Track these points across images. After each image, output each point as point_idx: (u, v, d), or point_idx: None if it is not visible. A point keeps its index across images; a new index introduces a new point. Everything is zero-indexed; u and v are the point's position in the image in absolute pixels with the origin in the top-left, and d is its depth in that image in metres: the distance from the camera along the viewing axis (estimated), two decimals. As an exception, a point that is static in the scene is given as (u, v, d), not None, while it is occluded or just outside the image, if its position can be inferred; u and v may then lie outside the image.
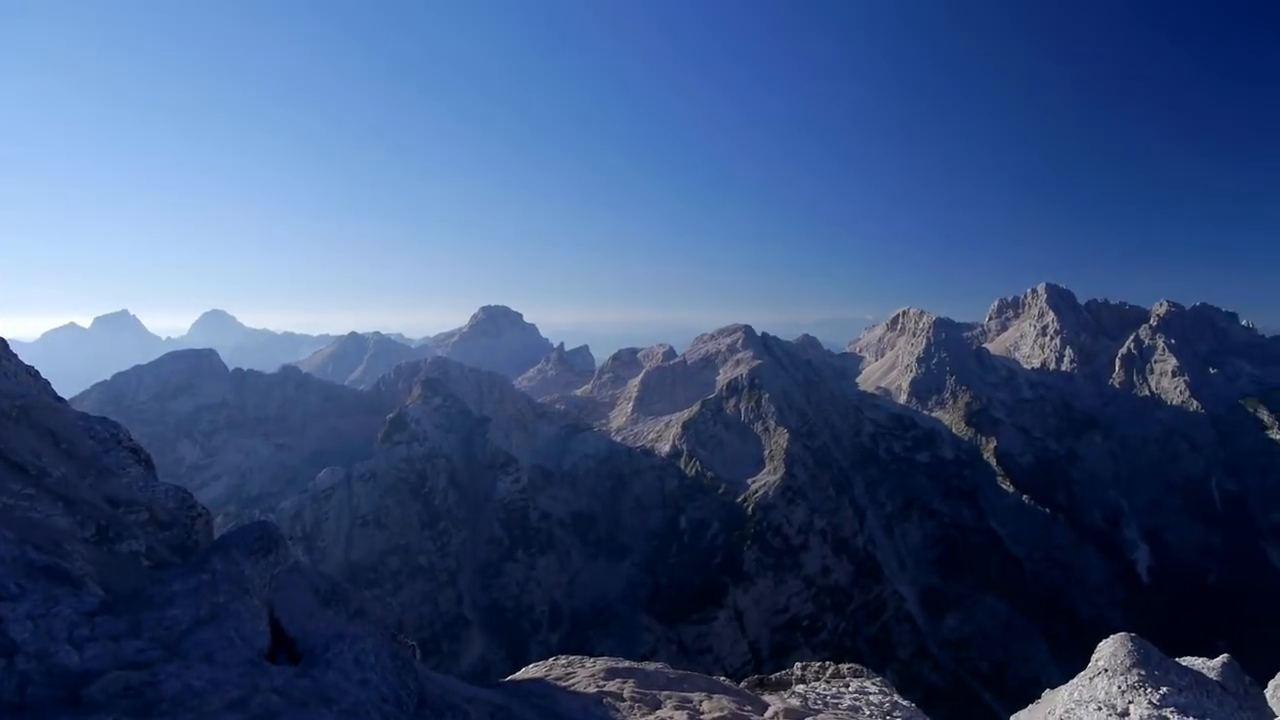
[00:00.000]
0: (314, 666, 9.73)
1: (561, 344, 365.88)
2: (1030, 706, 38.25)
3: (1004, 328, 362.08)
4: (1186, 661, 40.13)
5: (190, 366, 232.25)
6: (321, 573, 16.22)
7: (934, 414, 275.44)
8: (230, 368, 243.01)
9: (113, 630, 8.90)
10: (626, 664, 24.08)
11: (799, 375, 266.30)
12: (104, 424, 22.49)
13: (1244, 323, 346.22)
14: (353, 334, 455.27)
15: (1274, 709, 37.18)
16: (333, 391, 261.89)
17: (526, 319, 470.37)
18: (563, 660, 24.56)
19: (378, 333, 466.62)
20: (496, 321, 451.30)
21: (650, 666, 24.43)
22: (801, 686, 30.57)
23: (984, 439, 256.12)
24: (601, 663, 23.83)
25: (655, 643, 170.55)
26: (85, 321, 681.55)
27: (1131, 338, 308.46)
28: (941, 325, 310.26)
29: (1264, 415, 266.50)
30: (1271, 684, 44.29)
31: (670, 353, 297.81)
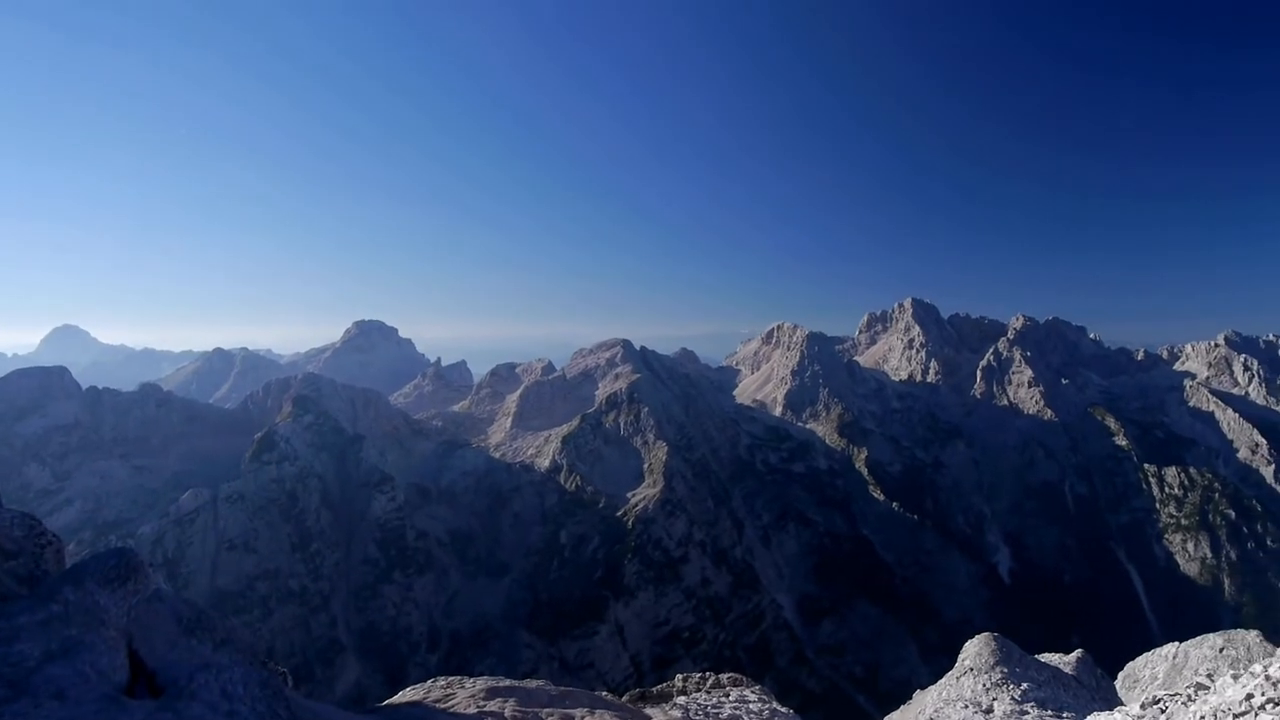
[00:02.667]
0: (177, 699, 9.22)
1: (438, 359, 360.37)
2: (902, 707, 39.47)
3: (873, 341, 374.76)
4: (1045, 658, 42.18)
5: (38, 385, 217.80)
6: (185, 600, 15.40)
7: (808, 426, 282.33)
8: (84, 386, 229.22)
9: (-51, 670, 8.25)
10: (507, 683, 23.71)
11: (677, 389, 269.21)
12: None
13: (1092, 336, 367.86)
14: (218, 350, 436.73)
15: (1123, 698, 39.35)
16: (197, 410, 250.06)
17: (402, 334, 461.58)
18: (441, 682, 24.01)
19: (245, 348, 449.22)
20: (370, 337, 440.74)
21: (531, 684, 24.12)
22: (683, 698, 30.69)
23: (855, 449, 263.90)
24: (482, 683, 23.40)
25: (536, 660, 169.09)
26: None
27: (991, 350, 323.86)
28: (814, 339, 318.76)
29: (1111, 423, 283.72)
30: (1121, 675, 46.96)
31: (549, 367, 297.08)
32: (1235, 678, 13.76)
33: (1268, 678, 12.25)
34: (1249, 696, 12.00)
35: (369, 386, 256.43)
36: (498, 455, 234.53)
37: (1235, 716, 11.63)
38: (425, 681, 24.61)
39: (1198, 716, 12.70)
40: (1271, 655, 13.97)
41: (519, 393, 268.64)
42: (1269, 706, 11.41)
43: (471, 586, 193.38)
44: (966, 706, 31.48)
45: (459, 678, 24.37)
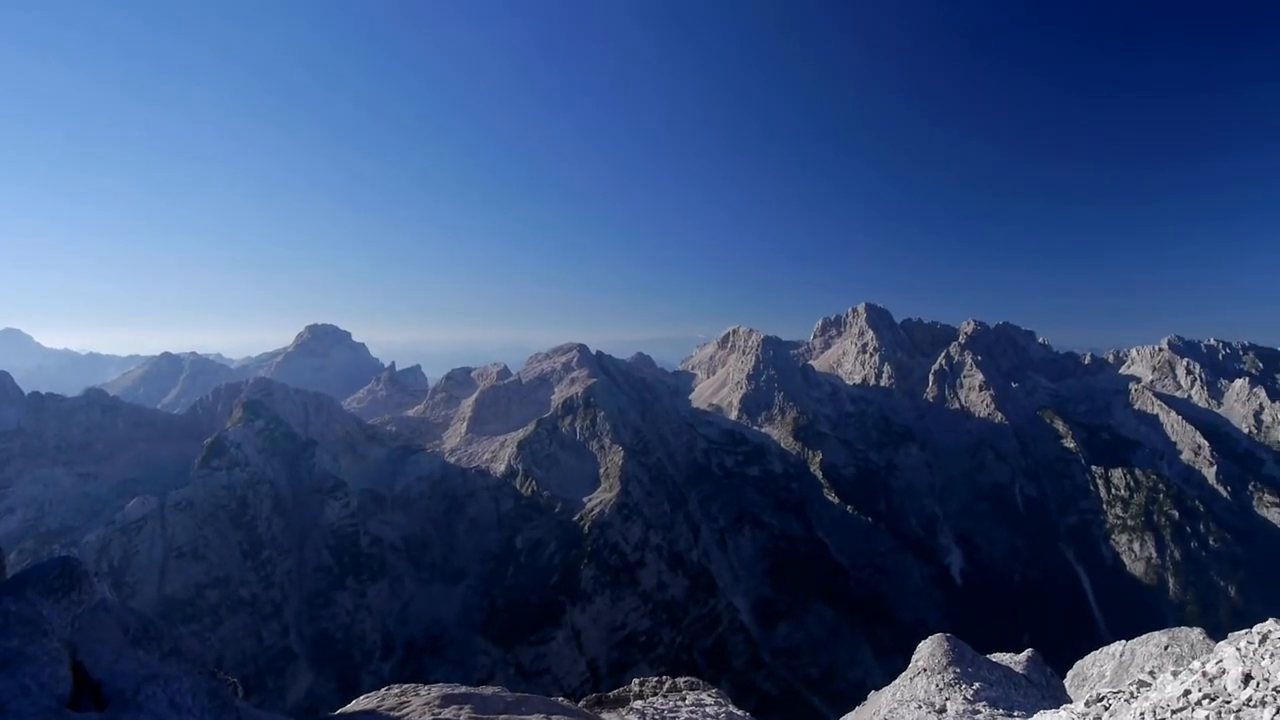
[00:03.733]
0: (123, 711, 9.07)
1: (393, 364, 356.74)
2: (857, 708, 39.92)
3: (828, 345, 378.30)
4: (996, 657, 42.87)
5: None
6: (132, 610, 15.13)
7: (763, 429, 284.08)
8: (26, 391, 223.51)
9: (-116, 684, 8.04)
10: (463, 690, 23.59)
11: (633, 393, 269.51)
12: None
13: (1040, 340, 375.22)
14: (166, 354, 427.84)
15: (1072, 696, 40.08)
16: (144, 416, 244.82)
17: (356, 338, 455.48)
18: (396, 690, 23.82)
19: (194, 353, 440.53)
20: (323, 340, 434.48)
21: (487, 691, 24.02)
22: (640, 703, 30.75)
23: (811, 453, 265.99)
24: (437, 690, 23.27)
25: (492, 666, 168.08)
26: None
27: (943, 354, 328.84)
28: (770, 343, 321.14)
29: (1059, 425, 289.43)
30: (1070, 673, 47.90)
31: (505, 372, 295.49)
32: (1175, 674, 14.15)
33: (1204, 674, 12.63)
34: (1186, 693, 12.37)
35: (322, 391, 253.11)
36: (453, 460, 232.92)
37: (1173, 712, 11.98)
38: (379, 690, 24.39)
39: (1138, 713, 13.05)
40: (1212, 652, 14.46)
41: (474, 397, 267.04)
42: (1205, 702, 11.76)
43: (426, 593, 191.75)
44: (920, 707, 31.89)
45: (413, 685, 24.20)
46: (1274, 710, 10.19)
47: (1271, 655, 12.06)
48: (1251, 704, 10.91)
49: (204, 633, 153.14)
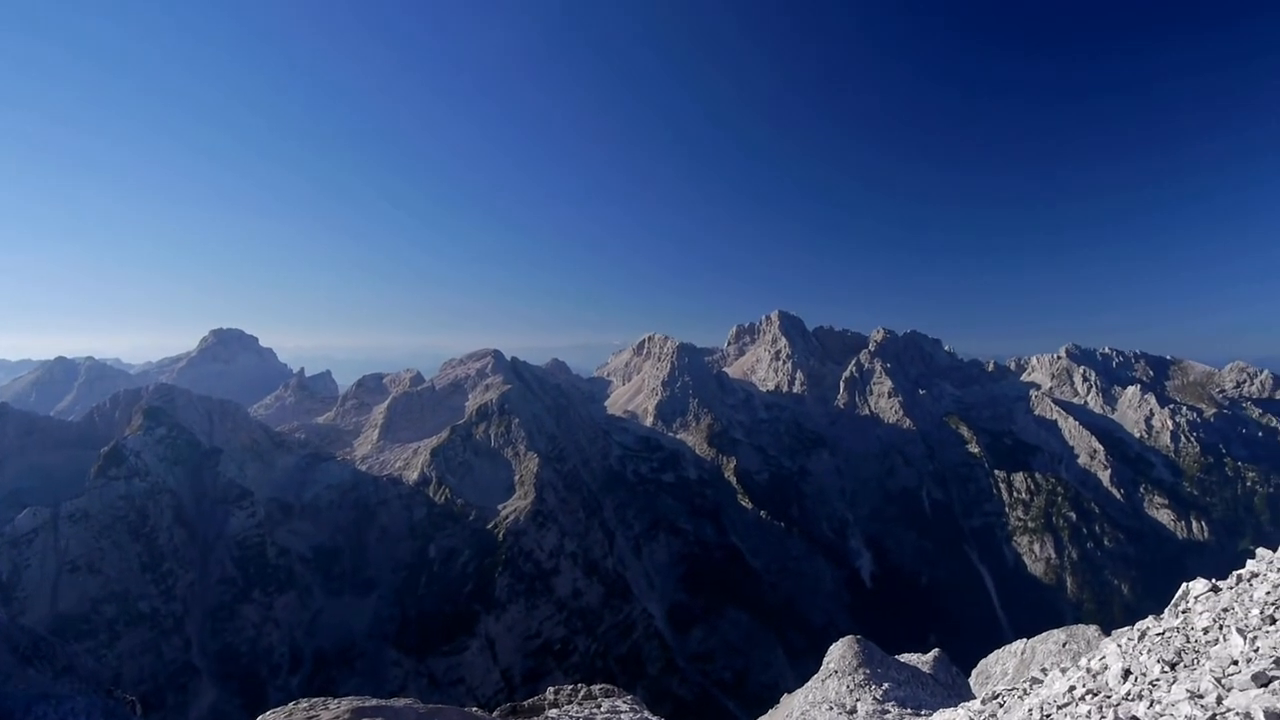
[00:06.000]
0: (12, 732, 8.81)
1: (302, 369, 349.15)
2: (770, 711, 40.56)
3: (742, 352, 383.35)
4: (905, 658, 44.06)
5: None
6: (21, 627, 14.63)
7: (678, 436, 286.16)
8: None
9: None
10: (374, 703, 23.30)
11: (549, 400, 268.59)
12: None
13: (947, 348, 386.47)
14: (60, 359, 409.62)
15: (976, 694, 41.37)
16: (36, 423, 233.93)
17: (263, 343, 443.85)
18: (304, 704, 23.40)
19: (91, 358, 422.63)
20: (229, 346, 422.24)
21: (399, 703, 23.77)
22: (554, 711, 30.75)
23: (725, 459, 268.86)
24: (346, 703, 22.92)
25: (405, 678, 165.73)
26: None
27: (854, 362, 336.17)
28: (684, 350, 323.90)
29: (964, 431, 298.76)
30: (974, 671, 49.48)
31: (418, 378, 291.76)
32: (1063, 671, 14.85)
33: (1088, 670, 13.29)
34: (1071, 688, 13.01)
35: (227, 398, 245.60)
36: (364, 468, 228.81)
37: (1059, 708, 12.58)
38: (286, 704, 23.92)
39: (1028, 709, 13.67)
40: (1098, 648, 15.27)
41: (386, 404, 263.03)
42: (1088, 697, 12.38)
43: (336, 604, 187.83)
44: (832, 708, 32.57)
45: (323, 699, 23.80)
46: (1149, 703, 10.77)
47: (1149, 651, 12.75)
48: (1129, 698, 11.51)
49: (100, 649, 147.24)
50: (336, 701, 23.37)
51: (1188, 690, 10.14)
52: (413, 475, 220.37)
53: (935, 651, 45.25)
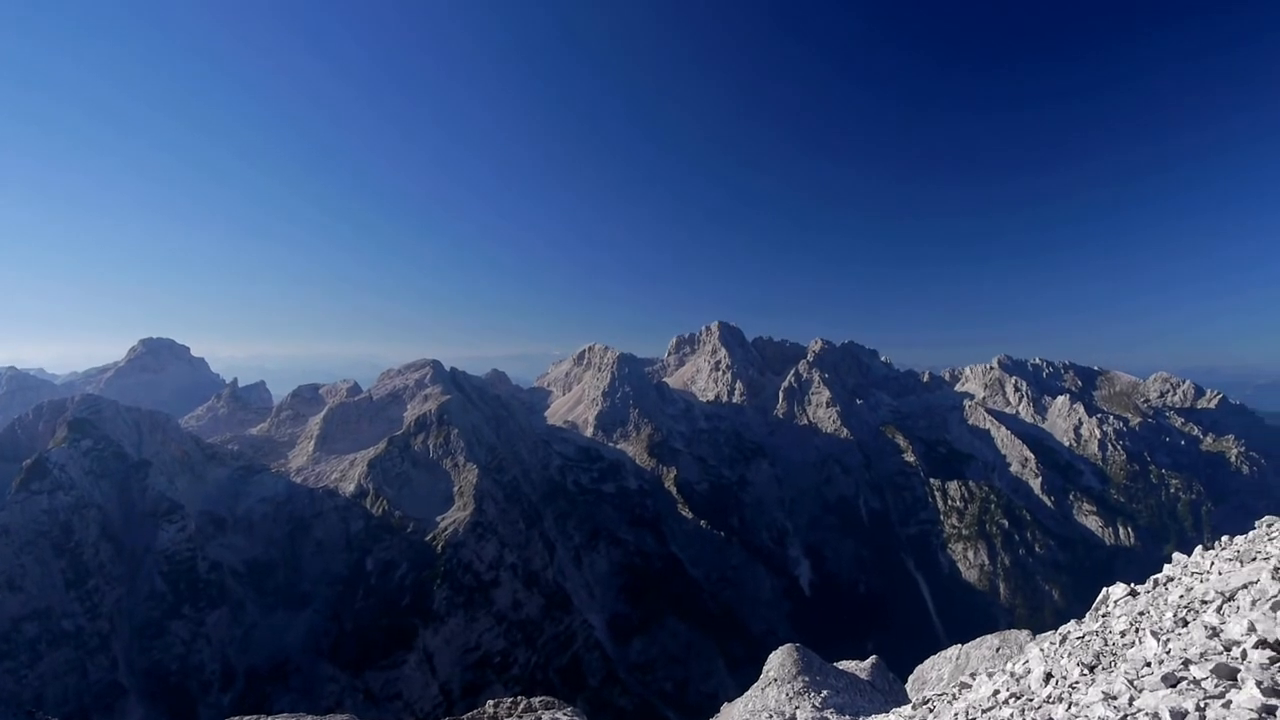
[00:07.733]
0: (-71, 757, 8.63)
1: (234, 380, 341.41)
2: (709, 720, 40.76)
3: (682, 363, 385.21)
4: (843, 665, 44.71)
5: None
6: (-60, 648, 14.24)
7: (619, 446, 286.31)
8: None
9: None
10: (309, 719, 23.04)
11: (488, 410, 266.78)
12: None
13: (883, 359, 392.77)
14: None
15: (912, 699, 42.13)
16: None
17: (194, 353, 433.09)
18: (235, 722, 23.04)
19: (13, 367, 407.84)
20: (159, 355, 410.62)
21: None
22: (492, 724, 30.63)
23: (665, 469, 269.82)
24: (279, 720, 22.65)
25: (341, 693, 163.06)
26: None
27: (792, 372, 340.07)
28: (625, 360, 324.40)
29: (900, 440, 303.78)
30: (911, 677, 50.32)
31: (355, 388, 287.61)
32: (990, 676, 15.32)
33: (1012, 674, 13.75)
34: (996, 693, 13.45)
35: (157, 409, 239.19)
36: (299, 480, 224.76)
37: (984, 711, 12.99)
38: (217, 723, 23.56)
39: (955, 713, 14.07)
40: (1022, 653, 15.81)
41: (322, 415, 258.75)
42: (1011, 700, 12.81)
43: (270, 619, 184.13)
44: (771, 716, 32.95)
45: (255, 717, 23.49)
46: (1067, 705, 11.18)
47: (1069, 654, 13.22)
48: (1050, 700, 11.93)
49: (20, 670, 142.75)
50: (270, 719, 23.07)
51: (1103, 692, 10.56)
52: (349, 487, 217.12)
53: (873, 658, 46.02)
